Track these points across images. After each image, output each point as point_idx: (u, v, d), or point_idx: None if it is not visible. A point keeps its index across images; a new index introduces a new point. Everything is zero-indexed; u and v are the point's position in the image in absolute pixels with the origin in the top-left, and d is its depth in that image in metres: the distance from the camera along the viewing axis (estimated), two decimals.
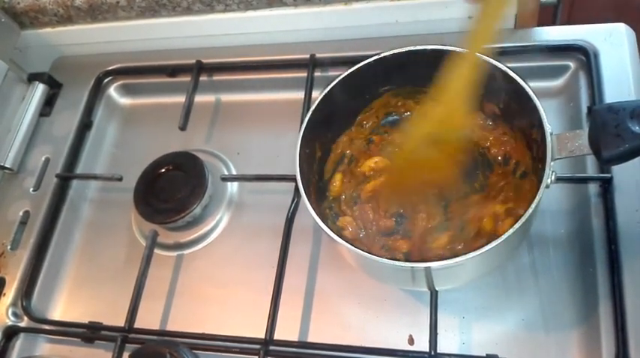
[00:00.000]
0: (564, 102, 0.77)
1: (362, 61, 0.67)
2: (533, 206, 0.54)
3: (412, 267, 0.57)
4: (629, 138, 0.52)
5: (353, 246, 0.58)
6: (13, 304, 0.80)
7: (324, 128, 0.70)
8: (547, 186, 0.55)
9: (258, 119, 0.89)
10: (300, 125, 0.66)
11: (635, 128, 0.51)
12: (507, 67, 0.62)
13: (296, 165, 0.63)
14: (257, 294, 0.73)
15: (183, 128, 0.86)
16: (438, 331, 0.64)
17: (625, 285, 0.62)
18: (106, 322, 0.76)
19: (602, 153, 0.53)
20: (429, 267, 0.56)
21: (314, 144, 0.69)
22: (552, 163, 0.56)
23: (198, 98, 0.89)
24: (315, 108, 0.67)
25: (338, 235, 0.59)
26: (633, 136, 0.51)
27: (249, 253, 0.78)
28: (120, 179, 0.85)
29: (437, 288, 0.65)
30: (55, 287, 0.83)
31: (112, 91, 0.98)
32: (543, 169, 0.56)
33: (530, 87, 0.60)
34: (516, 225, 0.54)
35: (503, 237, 0.53)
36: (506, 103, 0.66)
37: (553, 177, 0.55)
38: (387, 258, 0.57)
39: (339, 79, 0.67)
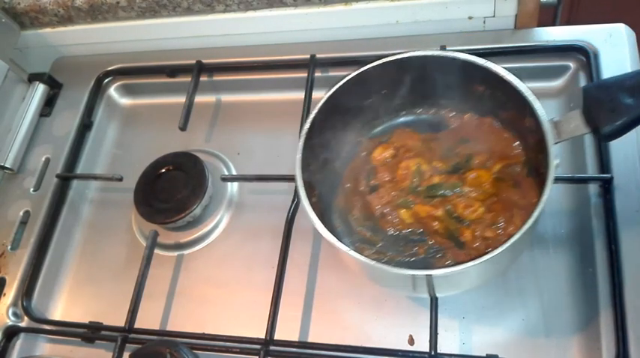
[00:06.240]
0: (564, 103, 0.77)
1: (363, 61, 0.67)
2: (544, 196, 0.52)
3: (413, 275, 0.56)
4: (625, 111, 0.52)
5: (351, 250, 0.57)
6: (14, 304, 0.80)
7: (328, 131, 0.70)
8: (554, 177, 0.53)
9: (258, 119, 0.89)
10: (301, 127, 0.66)
11: (628, 100, 0.52)
12: (488, 60, 0.61)
13: (297, 170, 0.63)
14: (257, 294, 0.73)
15: (183, 128, 0.86)
16: (438, 331, 0.64)
17: (625, 285, 0.62)
18: (106, 322, 0.76)
19: (601, 129, 0.53)
20: (431, 275, 0.55)
21: (314, 149, 0.68)
22: (553, 148, 0.55)
23: (199, 98, 0.89)
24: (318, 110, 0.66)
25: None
26: (628, 108, 0.52)
27: (249, 253, 0.78)
28: (120, 179, 0.85)
29: (438, 295, 0.65)
30: (55, 287, 0.83)
31: (112, 91, 0.98)
32: (546, 156, 0.54)
33: (514, 76, 0.60)
34: (526, 225, 0.52)
35: (510, 241, 0.52)
36: (492, 95, 0.65)
37: (558, 161, 0.55)
38: (387, 265, 0.56)
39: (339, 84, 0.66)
